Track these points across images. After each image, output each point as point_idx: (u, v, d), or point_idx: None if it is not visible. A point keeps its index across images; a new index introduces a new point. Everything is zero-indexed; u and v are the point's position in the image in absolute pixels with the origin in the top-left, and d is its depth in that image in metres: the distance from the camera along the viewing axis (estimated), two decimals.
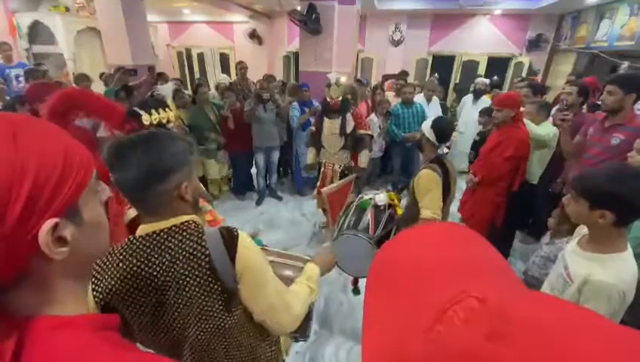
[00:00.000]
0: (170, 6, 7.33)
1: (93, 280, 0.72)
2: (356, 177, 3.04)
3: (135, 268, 0.70)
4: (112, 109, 1.38)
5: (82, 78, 3.90)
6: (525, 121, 2.49)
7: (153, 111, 1.43)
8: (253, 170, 4.18)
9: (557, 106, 3.09)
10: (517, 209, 2.61)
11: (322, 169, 3.15)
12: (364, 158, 3.08)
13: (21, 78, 4.29)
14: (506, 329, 0.21)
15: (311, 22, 4.11)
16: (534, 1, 5.92)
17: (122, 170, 0.66)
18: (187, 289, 0.72)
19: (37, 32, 5.97)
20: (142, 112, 1.42)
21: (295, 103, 3.90)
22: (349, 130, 2.98)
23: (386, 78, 5.50)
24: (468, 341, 0.22)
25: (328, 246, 1.20)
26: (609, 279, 0.98)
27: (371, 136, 3.21)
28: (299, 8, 4.25)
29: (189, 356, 0.81)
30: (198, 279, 0.72)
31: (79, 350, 0.35)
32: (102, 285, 0.71)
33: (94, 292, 0.71)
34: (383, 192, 2.09)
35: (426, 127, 1.89)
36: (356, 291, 2.04)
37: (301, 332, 1.13)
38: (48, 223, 0.33)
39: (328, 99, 2.95)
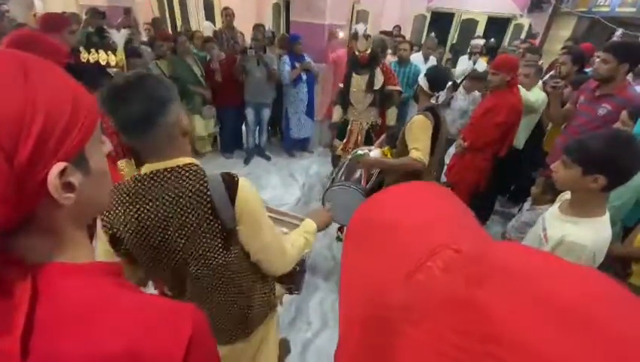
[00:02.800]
0: None
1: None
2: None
3: (140, 203, 0.75)
4: (57, 49, 1.43)
5: None
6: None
7: (93, 50, 1.46)
8: (242, 128, 4.07)
9: (551, 72, 3.05)
10: (501, 174, 2.69)
11: (349, 127, 3.03)
12: (391, 115, 2.99)
13: None
14: (481, 272, 0.23)
15: None
16: None
17: (125, 107, 0.67)
18: (189, 225, 0.77)
19: None
20: (81, 49, 1.46)
21: (285, 57, 3.70)
22: (377, 85, 2.85)
23: (382, 34, 5.27)
24: (448, 287, 0.23)
25: (323, 206, 1.29)
26: (582, 241, 1.04)
27: (400, 92, 3.08)
28: None
29: (191, 289, 0.89)
30: (199, 217, 0.77)
31: (95, 293, 0.37)
32: (110, 217, 0.77)
33: (103, 223, 0.78)
34: (376, 148, 2.10)
35: (421, 76, 1.87)
36: (340, 238, 2.16)
37: (295, 285, 1.22)
38: (57, 166, 0.33)
39: (356, 53, 2.78)
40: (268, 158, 4.13)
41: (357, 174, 2.06)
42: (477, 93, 3.19)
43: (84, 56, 1.43)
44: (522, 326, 0.19)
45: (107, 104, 0.68)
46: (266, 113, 3.86)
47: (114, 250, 0.81)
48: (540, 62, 3.39)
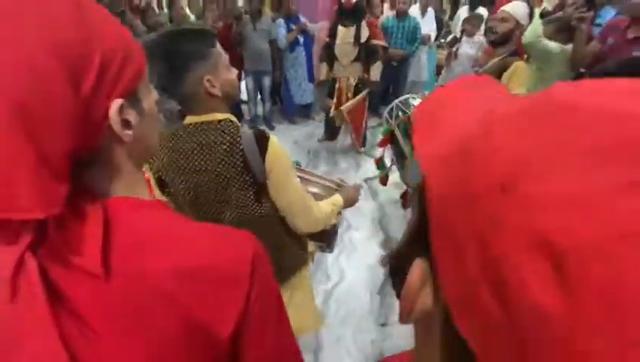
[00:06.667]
0: None
1: None
2: (369, 92, 3.02)
3: (180, 151, 0.83)
4: None
5: None
6: None
7: None
8: (244, 97, 4.00)
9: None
10: None
11: (337, 85, 3.02)
12: (375, 71, 2.98)
13: None
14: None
15: None
16: None
17: (152, 62, 0.73)
18: (223, 176, 0.85)
19: None
20: None
21: (280, 20, 3.58)
22: (363, 38, 2.83)
23: None
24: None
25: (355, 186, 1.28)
26: None
27: (385, 48, 3.06)
28: None
29: None
30: (232, 169, 0.84)
31: (162, 221, 0.39)
32: (156, 160, 0.87)
33: (150, 165, 0.87)
34: None
35: (519, 10, 1.67)
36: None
37: (327, 243, 1.27)
38: (117, 102, 0.34)
39: (342, 0, 2.76)
40: (272, 128, 4.10)
41: None
42: (482, 39, 3.01)
43: None
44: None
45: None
46: (267, 81, 3.78)
47: (161, 191, 0.89)
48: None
